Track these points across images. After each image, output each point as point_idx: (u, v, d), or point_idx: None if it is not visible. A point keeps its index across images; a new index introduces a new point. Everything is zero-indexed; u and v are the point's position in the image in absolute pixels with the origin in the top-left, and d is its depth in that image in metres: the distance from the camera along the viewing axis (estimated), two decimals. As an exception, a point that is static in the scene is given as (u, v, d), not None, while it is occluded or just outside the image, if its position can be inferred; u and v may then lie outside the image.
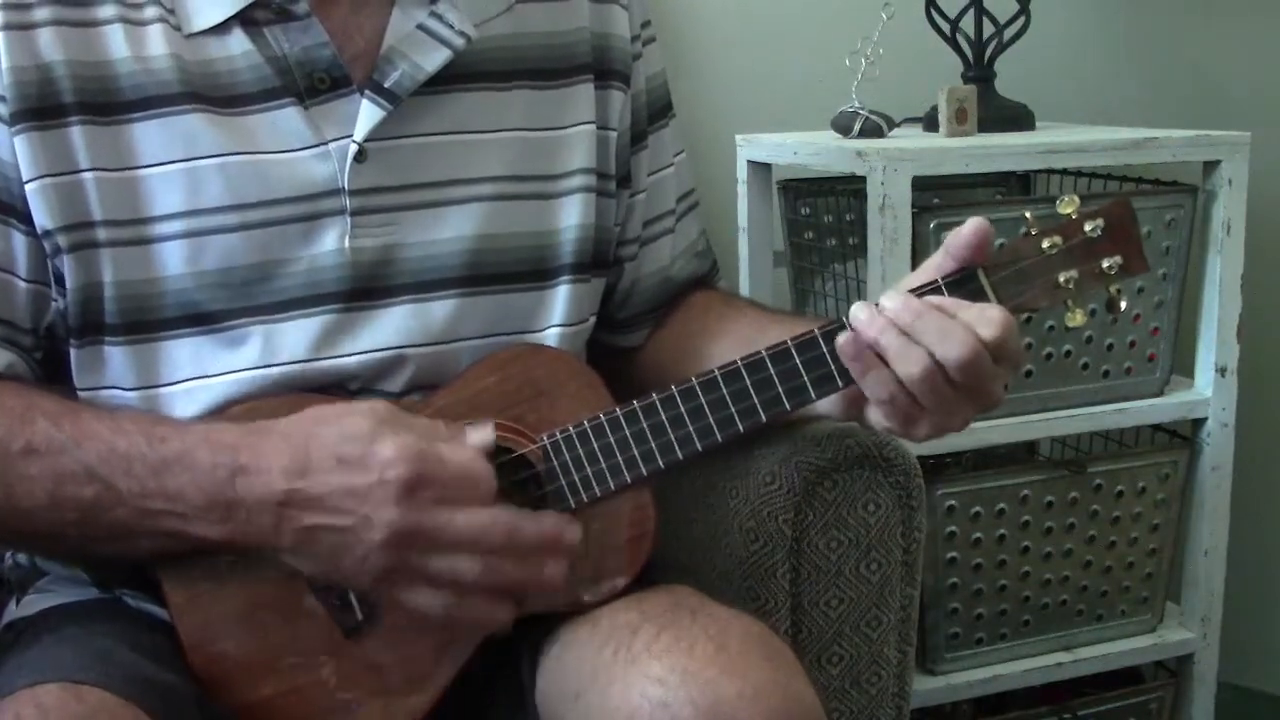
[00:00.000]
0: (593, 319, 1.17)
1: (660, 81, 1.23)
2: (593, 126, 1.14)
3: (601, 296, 1.19)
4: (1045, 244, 0.99)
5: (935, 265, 1.00)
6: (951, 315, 0.95)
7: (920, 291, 0.98)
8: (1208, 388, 1.71)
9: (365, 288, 1.05)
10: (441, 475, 0.93)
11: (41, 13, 1.01)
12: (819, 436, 1.15)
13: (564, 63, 1.13)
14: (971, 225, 0.98)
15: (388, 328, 1.05)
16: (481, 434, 0.97)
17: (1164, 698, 1.80)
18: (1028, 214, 1.00)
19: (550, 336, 1.10)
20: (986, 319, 0.94)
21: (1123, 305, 1.00)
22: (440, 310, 1.06)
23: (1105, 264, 0.99)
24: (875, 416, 0.99)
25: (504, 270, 1.09)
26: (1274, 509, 2.05)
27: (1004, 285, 0.98)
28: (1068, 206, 0.99)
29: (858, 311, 0.97)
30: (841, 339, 0.97)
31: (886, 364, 0.95)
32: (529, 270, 1.10)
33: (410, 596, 0.95)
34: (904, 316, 0.95)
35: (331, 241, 1.04)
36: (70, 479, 0.94)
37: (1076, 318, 1.00)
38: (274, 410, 1.00)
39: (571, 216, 1.12)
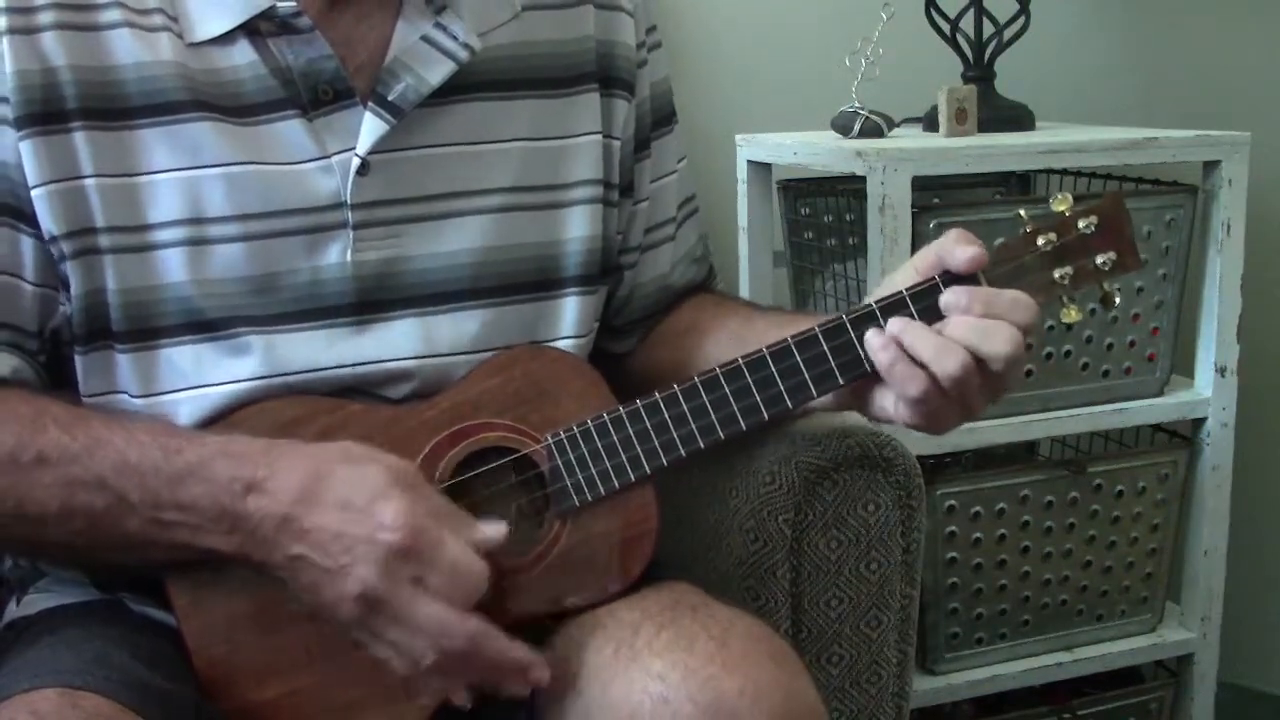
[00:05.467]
0: (596, 328, 1.16)
1: (665, 88, 1.21)
2: (599, 136, 1.13)
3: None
4: (1040, 241, 0.99)
5: (926, 266, 1.00)
6: (995, 313, 0.95)
7: (920, 289, 0.98)
8: (1208, 388, 1.71)
9: (369, 301, 1.04)
10: (429, 557, 0.92)
11: (45, 16, 1.00)
12: (819, 436, 1.15)
13: (569, 71, 1.12)
14: (967, 255, 0.97)
15: (392, 341, 1.04)
16: (493, 529, 0.96)
17: (1164, 698, 1.80)
18: (1022, 212, 1.01)
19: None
20: (1024, 306, 0.95)
21: (1117, 300, 1.01)
22: (445, 324, 1.06)
23: (1099, 260, 1.00)
24: (901, 413, 0.98)
25: (509, 282, 1.08)
26: (1274, 509, 2.05)
27: (1000, 281, 0.98)
28: (1061, 204, 1.00)
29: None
30: (874, 339, 0.96)
31: (923, 365, 0.95)
32: (535, 282, 1.09)
33: (374, 649, 0.94)
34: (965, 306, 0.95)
35: (334, 254, 1.03)
36: (81, 488, 0.94)
37: (1072, 314, 1.01)
38: (283, 412, 1.00)
39: (579, 228, 1.11)
